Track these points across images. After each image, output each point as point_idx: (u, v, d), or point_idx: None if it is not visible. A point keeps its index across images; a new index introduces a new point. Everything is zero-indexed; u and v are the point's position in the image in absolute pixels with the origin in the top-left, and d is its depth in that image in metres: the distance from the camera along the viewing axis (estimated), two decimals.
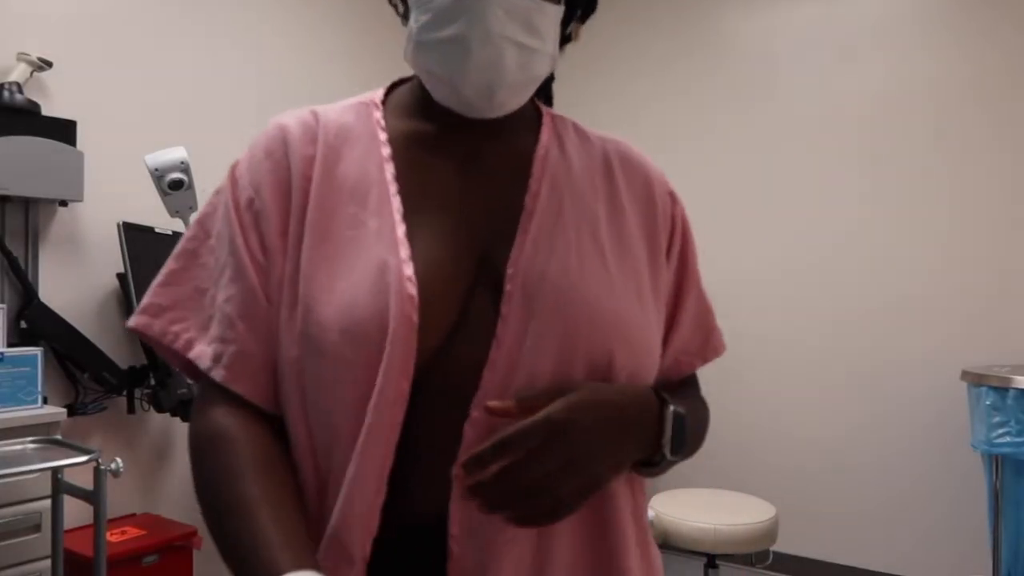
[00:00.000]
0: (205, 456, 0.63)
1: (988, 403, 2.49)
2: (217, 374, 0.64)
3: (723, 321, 0.84)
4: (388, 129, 0.72)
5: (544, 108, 0.80)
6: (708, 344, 0.82)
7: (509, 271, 0.65)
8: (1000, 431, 2.46)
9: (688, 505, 2.53)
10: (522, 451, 0.57)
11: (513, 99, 0.70)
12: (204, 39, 2.96)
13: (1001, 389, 2.46)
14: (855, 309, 3.27)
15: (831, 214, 3.34)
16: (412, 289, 0.61)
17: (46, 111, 2.42)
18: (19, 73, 2.36)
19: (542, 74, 0.71)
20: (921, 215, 3.14)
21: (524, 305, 0.64)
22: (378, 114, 0.73)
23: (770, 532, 2.44)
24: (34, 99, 2.38)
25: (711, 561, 2.55)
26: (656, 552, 0.75)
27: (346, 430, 0.61)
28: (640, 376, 0.69)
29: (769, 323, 3.44)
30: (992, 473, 2.59)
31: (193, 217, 1.05)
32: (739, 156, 3.56)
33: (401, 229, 0.65)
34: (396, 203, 0.66)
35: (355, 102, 0.75)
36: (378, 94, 0.76)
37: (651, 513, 2.41)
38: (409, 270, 0.62)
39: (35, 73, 2.42)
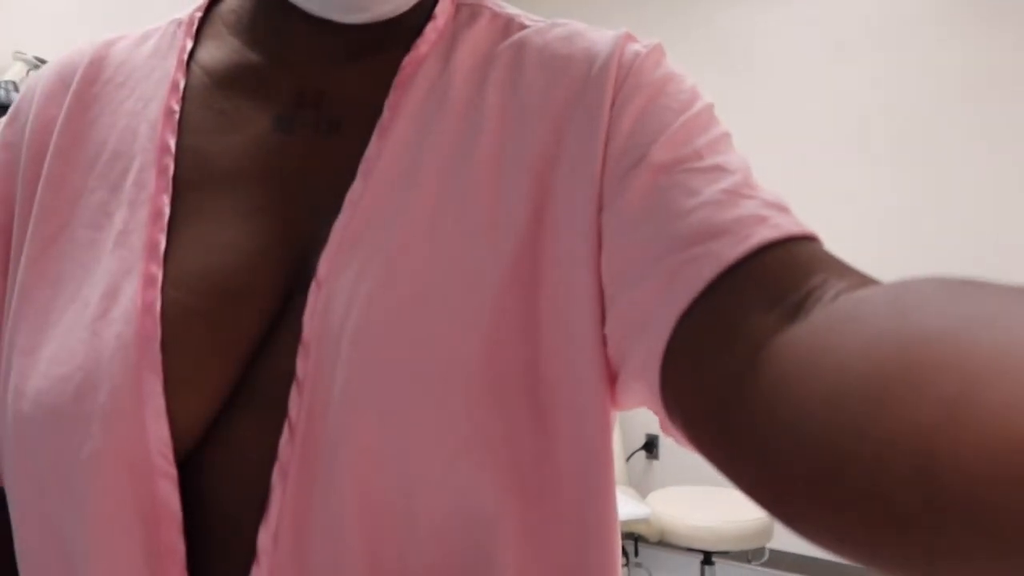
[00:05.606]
0: None
1: None
2: None
3: None
4: (195, 62, 0.47)
5: None
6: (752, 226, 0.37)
7: (307, 308, 0.38)
8: None
9: (684, 502, 2.54)
10: None
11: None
12: None
13: None
14: None
15: (828, 214, 3.34)
16: (152, 327, 0.37)
17: None
18: (15, 72, 2.36)
19: None
20: (922, 215, 3.15)
21: (323, 371, 0.37)
22: (188, 40, 0.47)
23: (766, 529, 2.45)
24: None
25: (707, 558, 2.56)
26: None
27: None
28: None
29: None
30: None
31: None
32: None
33: (161, 224, 0.40)
34: (163, 180, 0.42)
35: (169, 21, 0.51)
36: (201, 4, 0.50)
37: (647, 510, 2.42)
38: (155, 295, 0.38)
39: (31, 72, 2.42)
